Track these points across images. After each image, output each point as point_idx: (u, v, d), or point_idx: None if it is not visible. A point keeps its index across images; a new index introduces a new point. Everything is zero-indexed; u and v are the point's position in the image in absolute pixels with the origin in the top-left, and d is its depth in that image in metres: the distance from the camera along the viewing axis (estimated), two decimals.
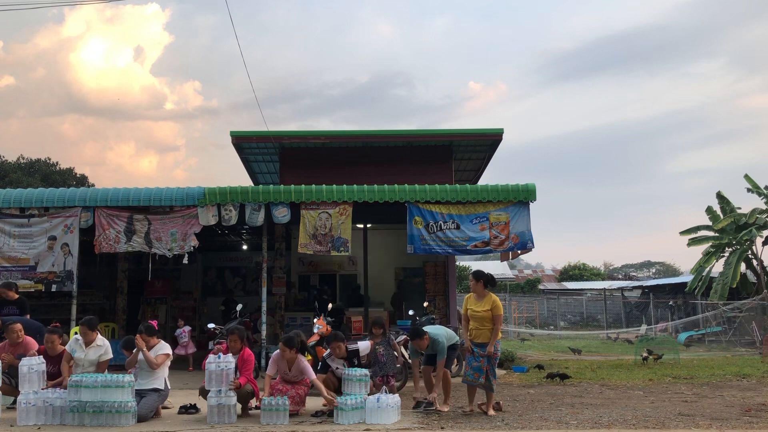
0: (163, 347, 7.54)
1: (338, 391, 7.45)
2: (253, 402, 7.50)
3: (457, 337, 8.04)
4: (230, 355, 7.25)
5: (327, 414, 7.20)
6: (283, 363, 7.49)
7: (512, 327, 25.38)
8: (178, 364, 11.35)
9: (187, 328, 12.69)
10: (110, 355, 7.60)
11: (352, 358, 7.68)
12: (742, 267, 21.23)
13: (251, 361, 7.51)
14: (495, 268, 41.80)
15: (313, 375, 7.46)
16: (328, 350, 7.89)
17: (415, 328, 7.88)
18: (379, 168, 14.95)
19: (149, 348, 7.40)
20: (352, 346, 7.80)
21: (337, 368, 7.69)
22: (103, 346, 7.56)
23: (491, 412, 7.33)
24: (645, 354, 13.17)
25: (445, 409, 7.57)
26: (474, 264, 44.59)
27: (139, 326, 7.56)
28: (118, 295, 14.51)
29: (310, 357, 8.63)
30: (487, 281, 7.61)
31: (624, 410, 7.61)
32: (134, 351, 7.36)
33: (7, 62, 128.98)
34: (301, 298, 16.19)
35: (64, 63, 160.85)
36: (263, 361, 10.91)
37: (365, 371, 7.39)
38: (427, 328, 7.82)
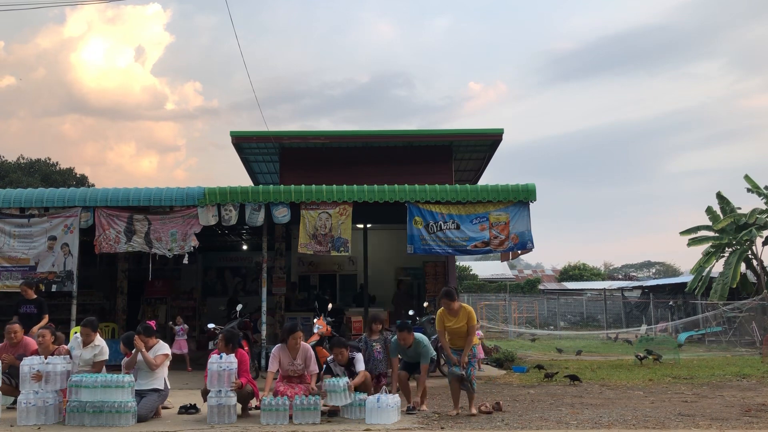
0: (162, 347, 7.54)
1: None
2: (253, 402, 7.50)
3: (434, 353, 8.09)
4: (233, 355, 7.23)
5: (327, 414, 7.20)
6: (287, 355, 7.44)
7: (512, 327, 25.37)
8: (178, 364, 11.34)
9: (185, 327, 12.74)
10: (105, 357, 7.61)
11: (350, 366, 7.66)
12: (742, 267, 21.23)
13: (245, 361, 7.48)
14: (495, 268, 41.87)
15: (315, 367, 7.47)
16: (332, 355, 7.86)
17: (404, 321, 8.11)
18: (379, 168, 14.96)
19: (148, 349, 7.40)
20: (352, 354, 7.77)
21: (336, 374, 7.67)
22: (99, 346, 7.58)
23: (473, 410, 7.36)
24: (641, 354, 13.18)
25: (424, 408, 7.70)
26: (474, 264, 44.58)
27: (137, 327, 7.57)
28: (118, 295, 14.52)
29: None
30: (456, 297, 7.65)
31: (624, 410, 7.61)
32: (133, 352, 7.36)
33: (8, 62, 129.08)
34: (302, 298, 16.19)
35: (65, 63, 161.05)
36: (263, 361, 10.89)
37: (345, 380, 7.20)
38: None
